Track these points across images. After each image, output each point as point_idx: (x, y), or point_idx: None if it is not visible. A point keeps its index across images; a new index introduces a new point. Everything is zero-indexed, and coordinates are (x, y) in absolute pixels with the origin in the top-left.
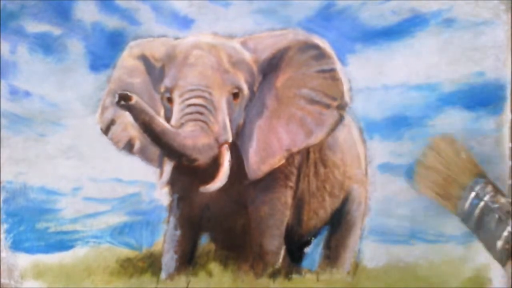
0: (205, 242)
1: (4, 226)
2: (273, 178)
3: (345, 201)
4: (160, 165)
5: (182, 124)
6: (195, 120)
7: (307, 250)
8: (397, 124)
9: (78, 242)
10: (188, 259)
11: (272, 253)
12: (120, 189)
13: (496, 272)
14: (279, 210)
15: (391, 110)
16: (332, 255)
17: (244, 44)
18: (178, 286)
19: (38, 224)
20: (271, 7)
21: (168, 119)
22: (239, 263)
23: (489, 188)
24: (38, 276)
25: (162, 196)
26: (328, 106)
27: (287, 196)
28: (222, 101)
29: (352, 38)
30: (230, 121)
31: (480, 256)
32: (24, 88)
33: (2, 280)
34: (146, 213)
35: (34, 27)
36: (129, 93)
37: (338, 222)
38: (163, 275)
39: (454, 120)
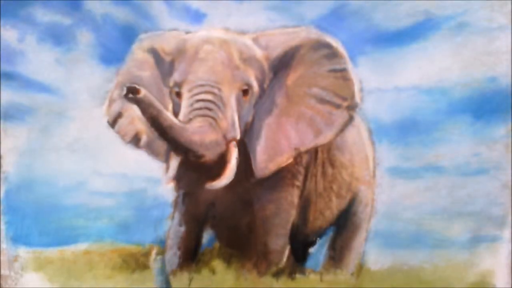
0: (211, 245)
1: (6, 218)
2: (280, 177)
3: (352, 202)
4: (167, 160)
5: (190, 119)
6: (204, 115)
7: (311, 250)
8: (406, 128)
9: (80, 236)
10: (192, 256)
11: (276, 252)
12: (125, 184)
13: (500, 278)
14: (285, 209)
15: (401, 113)
16: (336, 256)
17: (255, 40)
18: (180, 282)
19: (40, 217)
20: (284, 4)
21: (176, 113)
22: (242, 261)
23: None
24: (38, 268)
25: (167, 191)
26: (338, 106)
27: (294, 196)
28: (231, 97)
29: (364, 38)
30: (239, 118)
31: (485, 261)
32: (30, 78)
33: (2, 272)
34: (151, 208)
35: (43, 15)
36: (137, 86)
37: (344, 223)
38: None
39: (464, 125)
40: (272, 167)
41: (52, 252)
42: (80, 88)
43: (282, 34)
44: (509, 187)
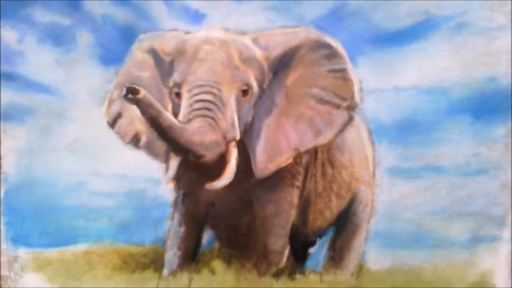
0: (211, 245)
1: (5, 218)
2: (280, 177)
3: (352, 202)
4: (166, 160)
5: (190, 120)
6: (203, 116)
7: (311, 250)
8: (406, 128)
9: (80, 237)
10: (191, 256)
11: (276, 253)
12: (125, 184)
13: (500, 278)
14: (284, 209)
15: (401, 113)
16: (336, 257)
17: (255, 40)
18: (180, 283)
19: (40, 217)
20: (284, 4)
21: (176, 114)
22: (242, 261)
23: None
24: (38, 269)
25: (167, 192)
26: (338, 106)
27: (293, 196)
28: (231, 97)
29: (364, 39)
30: (239, 118)
31: (485, 261)
32: (30, 78)
33: (2, 272)
34: (151, 209)
35: (43, 16)
36: (136, 87)
37: (344, 224)
38: (165, 271)
39: (464, 125)
40: (272, 167)
41: (52, 252)
42: (80, 88)
43: (281, 35)
44: (509, 187)
